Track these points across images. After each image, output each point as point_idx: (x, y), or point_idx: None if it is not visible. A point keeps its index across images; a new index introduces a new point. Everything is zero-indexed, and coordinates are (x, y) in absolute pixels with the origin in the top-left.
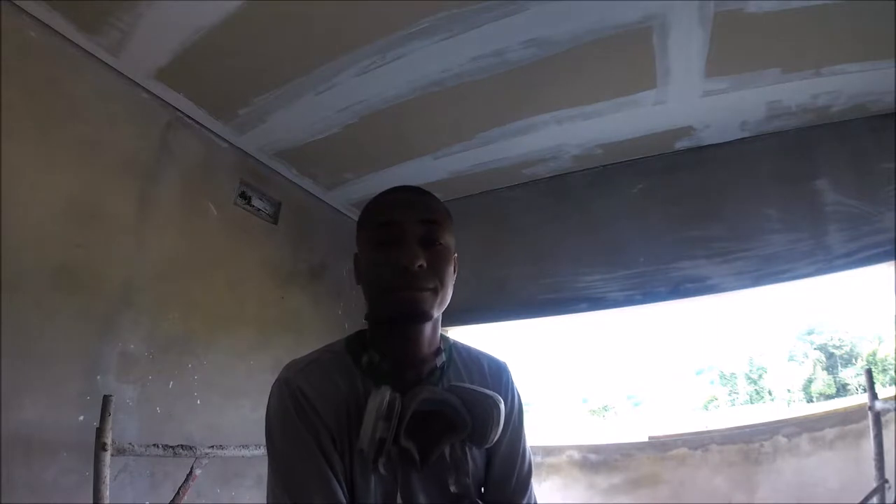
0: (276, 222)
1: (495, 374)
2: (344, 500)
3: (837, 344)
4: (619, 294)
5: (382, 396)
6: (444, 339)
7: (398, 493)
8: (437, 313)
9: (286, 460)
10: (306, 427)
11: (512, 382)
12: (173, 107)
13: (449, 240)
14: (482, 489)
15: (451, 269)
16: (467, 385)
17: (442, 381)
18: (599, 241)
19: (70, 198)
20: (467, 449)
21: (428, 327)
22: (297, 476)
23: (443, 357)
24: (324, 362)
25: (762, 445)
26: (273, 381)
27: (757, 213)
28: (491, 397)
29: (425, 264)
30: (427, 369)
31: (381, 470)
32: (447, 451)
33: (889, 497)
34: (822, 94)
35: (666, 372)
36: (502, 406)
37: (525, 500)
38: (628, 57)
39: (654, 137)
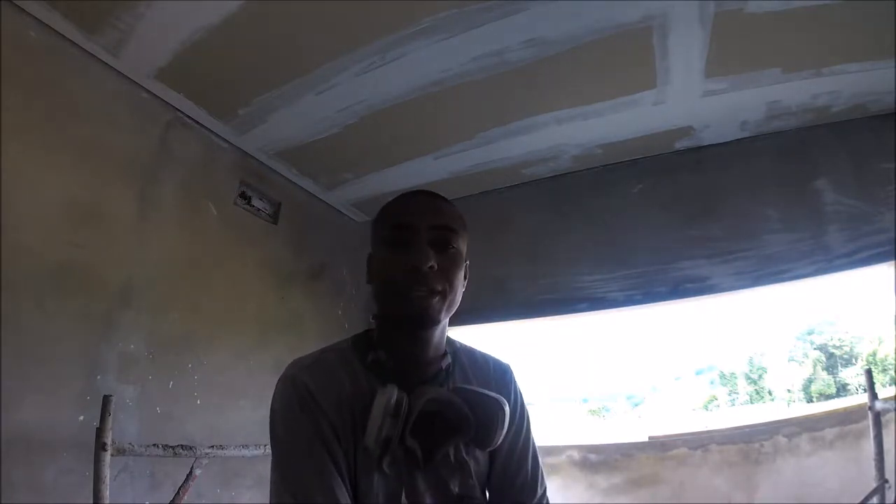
0: (276, 222)
1: (499, 376)
2: (347, 498)
3: (837, 344)
4: (619, 294)
5: (390, 394)
6: (450, 341)
7: (402, 493)
8: (445, 318)
9: (289, 457)
10: (310, 424)
11: (515, 384)
12: (173, 107)
13: (461, 246)
14: (486, 490)
15: (462, 274)
16: (472, 387)
17: (447, 383)
18: (599, 241)
19: (70, 198)
20: (471, 450)
21: (436, 331)
22: (300, 473)
23: (448, 359)
24: (329, 360)
25: (762, 445)
26: (273, 380)
27: (757, 213)
28: (496, 400)
29: (436, 266)
30: (433, 370)
31: (386, 469)
32: (451, 451)
33: (889, 497)
34: (822, 94)
35: (666, 372)
36: (507, 408)
37: (534, 501)
38: (628, 57)
39: (654, 137)
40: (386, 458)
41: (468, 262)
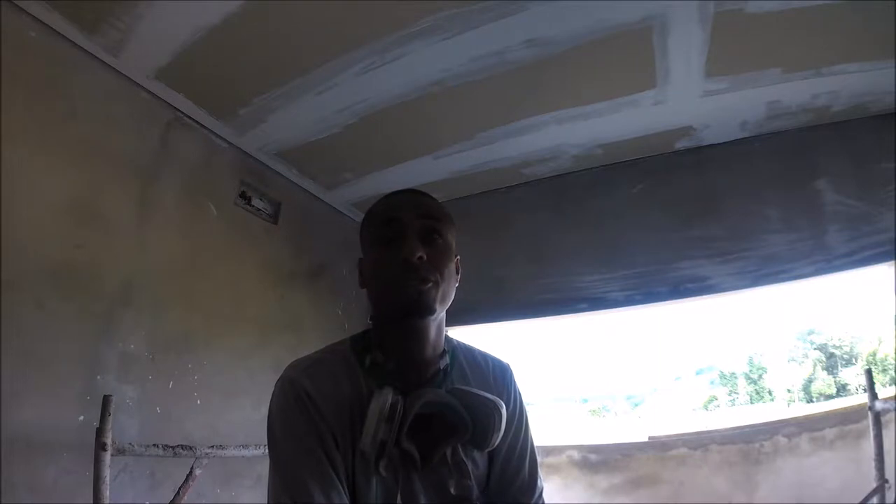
0: (276, 222)
1: (498, 375)
2: (344, 499)
3: (837, 344)
4: (619, 294)
5: (385, 398)
6: (448, 340)
7: (399, 495)
8: (440, 309)
9: (287, 459)
10: (308, 426)
11: (514, 383)
12: (173, 107)
13: (449, 238)
14: (485, 491)
15: (452, 266)
16: (470, 388)
17: (445, 384)
18: (599, 241)
19: (70, 198)
20: (469, 451)
21: (432, 327)
22: (298, 475)
23: (446, 359)
24: (328, 362)
25: (762, 445)
26: (273, 380)
27: (757, 213)
28: (493, 401)
29: (425, 257)
30: (431, 371)
31: (382, 471)
32: (448, 453)
33: (889, 497)
34: (822, 94)
35: (666, 372)
36: (503, 410)
37: (532, 501)
38: (628, 57)
39: (654, 137)
40: (382, 461)
41: (459, 257)
